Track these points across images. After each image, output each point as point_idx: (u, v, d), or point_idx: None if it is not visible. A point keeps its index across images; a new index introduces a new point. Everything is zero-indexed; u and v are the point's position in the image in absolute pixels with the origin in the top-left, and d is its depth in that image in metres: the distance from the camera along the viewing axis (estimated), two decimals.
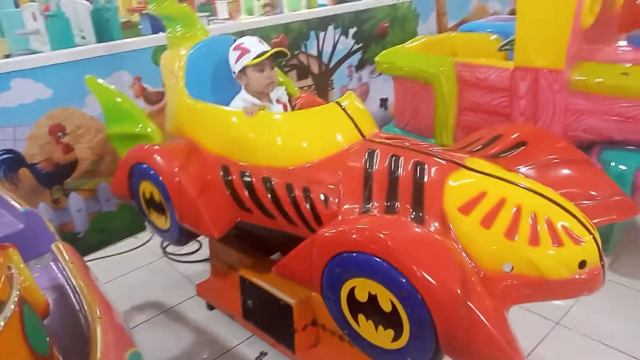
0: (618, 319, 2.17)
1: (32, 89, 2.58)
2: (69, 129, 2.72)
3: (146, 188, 2.03)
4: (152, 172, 1.94)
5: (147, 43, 2.93)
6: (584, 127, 2.35)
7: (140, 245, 2.99)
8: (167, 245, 2.92)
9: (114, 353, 0.91)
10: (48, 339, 0.95)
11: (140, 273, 2.75)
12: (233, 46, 1.99)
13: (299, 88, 3.67)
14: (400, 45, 3.09)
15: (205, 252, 2.70)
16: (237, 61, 1.95)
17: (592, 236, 1.37)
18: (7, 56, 5.24)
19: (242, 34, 3.19)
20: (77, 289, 1.09)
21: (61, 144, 2.71)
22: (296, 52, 3.64)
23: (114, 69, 2.84)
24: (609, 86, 2.23)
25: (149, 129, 2.17)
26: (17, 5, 6.95)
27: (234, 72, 1.98)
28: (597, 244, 1.37)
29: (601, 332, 2.10)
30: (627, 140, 2.27)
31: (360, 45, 4.03)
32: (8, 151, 2.56)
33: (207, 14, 8.47)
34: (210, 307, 2.37)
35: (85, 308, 1.03)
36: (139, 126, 2.19)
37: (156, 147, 2.00)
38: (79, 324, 1.05)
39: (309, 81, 3.79)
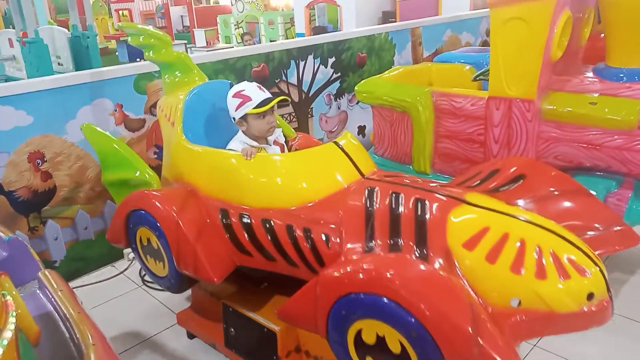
0: (597, 342, 2.20)
1: (12, 116, 2.56)
2: (48, 156, 2.70)
3: (144, 234, 2.01)
4: (150, 217, 1.91)
5: (129, 71, 2.95)
6: (556, 154, 2.45)
7: (118, 274, 2.94)
8: (145, 274, 2.88)
9: None
10: None
11: (118, 302, 2.71)
12: (232, 93, 1.98)
13: (280, 115, 3.73)
14: (379, 75, 3.18)
15: None
16: (237, 109, 1.94)
17: (598, 267, 1.38)
18: None
19: (224, 62, 3.24)
20: (68, 317, 1.09)
21: (40, 171, 2.68)
22: (277, 81, 3.70)
23: (96, 96, 2.84)
24: (578, 115, 2.33)
25: (146, 175, 2.17)
26: None
27: (234, 118, 1.98)
28: (604, 275, 1.39)
29: (579, 354, 2.13)
30: (596, 167, 2.37)
31: (339, 74, 4.12)
32: None
33: (185, 41, 8.52)
34: (191, 336, 2.34)
35: (78, 335, 1.02)
36: (137, 172, 2.18)
37: (154, 192, 1.98)
38: (69, 352, 1.05)
39: (289, 109, 3.84)
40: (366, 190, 1.69)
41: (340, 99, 4.18)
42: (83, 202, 2.87)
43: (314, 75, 3.93)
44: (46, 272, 1.31)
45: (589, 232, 1.62)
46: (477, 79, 2.96)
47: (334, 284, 1.46)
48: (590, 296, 1.35)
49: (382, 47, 4.40)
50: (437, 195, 1.59)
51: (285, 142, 2.10)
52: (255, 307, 1.95)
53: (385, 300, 1.34)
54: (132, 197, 2.03)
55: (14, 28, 5.90)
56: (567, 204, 1.70)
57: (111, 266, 3.01)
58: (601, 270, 1.39)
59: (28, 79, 2.87)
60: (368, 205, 1.64)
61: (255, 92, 1.95)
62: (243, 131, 1.99)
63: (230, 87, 2.01)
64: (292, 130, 2.33)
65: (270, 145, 2.01)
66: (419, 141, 2.84)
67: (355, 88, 3.06)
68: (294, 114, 3.88)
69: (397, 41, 4.53)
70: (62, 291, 1.21)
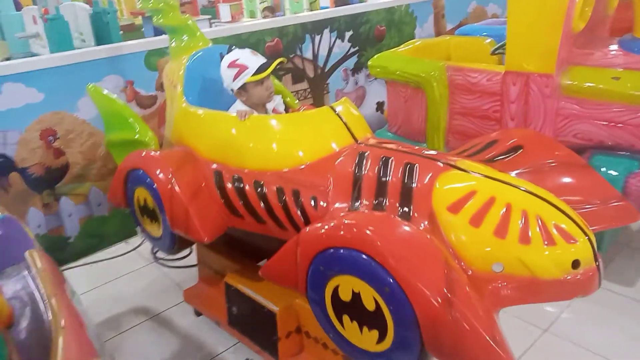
0: (607, 326, 2.14)
1: (23, 93, 2.59)
2: (60, 133, 2.72)
3: (141, 194, 2.03)
4: (147, 178, 1.94)
5: (139, 47, 2.93)
6: (575, 132, 2.33)
7: (131, 250, 2.98)
8: (158, 251, 2.91)
9: None
10: (8, 351, 0.94)
11: (130, 278, 2.74)
12: (226, 63, 1.94)
13: (294, 92, 3.67)
14: (394, 49, 3.07)
15: (195, 258, 2.69)
16: (235, 79, 1.91)
17: (587, 237, 1.34)
18: (8, 59, 5.27)
19: (237, 37, 3.19)
20: (45, 298, 1.08)
21: (52, 148, 2.71)
22: (291, 56, 3.63)
23: (107, 72, 2.84)
24: (600, 91, 2.20)
25: (146, 137, 2.18)
26: (18, 9, 6.99)
27: (232, 90, 1.95)
28: (592, 245, 1.34)
29: (589, 340, 2.07)
30: (618, 146, 2.24)
31: (357, 48, 4.02)
32: None
33: (209, 16, 8.48)
34: (198, 314, 2.36)
35: (50, 317, 1.01)
36: (137, 134, 2.20)
37: (152, 153, 2.00)
38: (46, 333, 1.04)
39: (304, 85, 3.78)
40: (357, 155, 1.66)
41: (357, 74, 4.09)
42: (96, 178, 2.90)
43: (330, 49, 3.84)
44: (33, 252, 1.30)
45: (586, 206, 1.55)
46: (496, 52, 2.83)
47: (313, 239, 1.45)
48: (575, 264, 1.31)
49: (403, 20, 4.26)
50: (428, 159, 1.56)
51: (285, 110, 2.06)
52: (256, 287, 1.94)
53: (362, 255, 1.32)
54: (131, 157, 2.05)
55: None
56: (564, 176, 1.63)
57: (124, 242, 3.05)
58: (590, 240, 1.33)
59: (37, 56, 2.87)
60: (357, 169, 1.62)
61: (251, 59, 1.90)
62: (243, 101, 1.96)
63: (221, 58, 1.96)
64: (295, 100, 2.30)
65: (270, 114, 1.98)
66: (432, 118, 2.74)
67: (369, 62, 2.97)
68: (309, 90, 3.82)
69: (418, 13, 4.38)
70: (45, 271, 1.20)
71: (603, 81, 2.20)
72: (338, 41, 3.88)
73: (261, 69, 1.88)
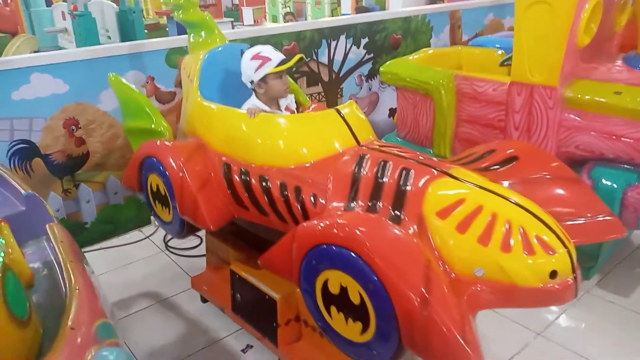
0: (601, 335, 2.19)
1: (50, 84, 2.73)
2: (82, 123, 2.86)
3: (153, 181, 2.15)
4: (160, 165, 2.06)
5: (161, 45, 3.06)
6: (577, 143, 2.39)
7: (144, 238, 3.10)
8: (170, 240, 3.03)
9: (84, 322, 1.01)
10: (29, 305, 1.04)
11: (142, 264, 2.86)
12: (250, 56, 2.02)
13: (308, 95, 3.77)
14: (405, 57, 3.16)
15: (204, 248, 2.79)
16: (257, 70, 1.99)
17: (566, 249, 1.40)
18: (36, 52, 5.47)
19: (255, 39, 3.31)
20: (62, 265, 1.19)
21: (74, 137, 2.85)
22: (307, 60, 3.74)
23: (129, 68, 2.97)
24: (601, 104, 2.27)
25: (161, 127, 2.29)
26: (48, 4, 7.22)
27: (252, 81, 2.03)
28: (571, 257, 1.41)
29: (582, 347, 2.12)
30: (618, 158, 2.30)
31: (372, 55, 4.11)
32: (23, 141, 2.71)
33: (232, 19, 8.65)
34: (204, 300, 2.46)
35: (66, 281, 1.12)
36: (153, 123, 2.31)
37: (167, 142, 2.12)
38: (61, 296, 1.15)
39: (318, 88, 3.88)
40: (358, 157, 1.75)
41: (371, 80, 4.18)
42: (114, 168, 3.03)
43: (346, 55, 3.94)
44: (53, 226, 1.42)
45: (575, 219, 1.61)
46: (504, 64, 2.90)
47: (308, 234, 1.55)
48: (553, 274, 1.37)
49: (419, 29, 4.35)
50: (424, 166, 1.64)
51: (296, 109, 2.16)
52: (259, 275, 2.04)
53: (351, 253, 1.42)
54: (146, 145, 2.18)
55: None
56: (556, 189, 1.69)
57: (138, 230, 3.18)
58: (569, 252, 1.40)
59: (64, 49, 3.02)
60: (356, 170, 1.70)
61: (273, 53, 2.02)
62: (259, 95, 2.05)
63: (242, 54, 2.06)
64: (307, 99, 2.39)
65: (282, 111, 2.08)
66: (440, 125, 2.82)
67: (380, 69, 3.06)
68: (323, 94, 3.92)
69: (434, 23, 4.46)
70: (63, 242, 1.31)
71: (605, 95, 2.26)
72: (354, 47, 3.98)
73: (283, 62, 1.99)
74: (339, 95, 4.02)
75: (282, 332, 1.97)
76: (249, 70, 2.03)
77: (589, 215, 1.66)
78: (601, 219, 1.68)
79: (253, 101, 2.07)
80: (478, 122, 2.70)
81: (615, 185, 2.24)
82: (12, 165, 2.70)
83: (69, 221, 2.92)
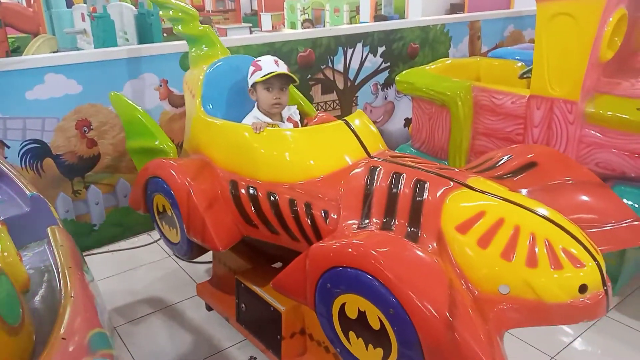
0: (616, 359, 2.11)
1: (64, 84, 2.73)
2: (94, 125, 2.85)
3: (159, 201, 2.10)
4: (165, 185, 2.00)
5: (175, 49, 3.05)
6: (597, 160, 2.31)
7: (152, 243, 3.08)
8: None
9: (77, 331, 0.97)
10: (22, 311, 1.01)
11: (148, 269, 2.83)
12: (252, 62, 2.08)
13: (323, 103, 3.74)
14: (422, 66, 3.11)
15: (211, 255, 2.76)
16: (250, 76, 2.05)
17: (595, 262, 1.33)
18: (55, 52, 5.50)
19: (270, 45, 3.28)
20: (59, 270, 1.16)
21: (86, 138, 2.84)
22: (322, 67, 3.70)
23: (143, 70, 2.96)
24: (623, 121, 2.19)
25: (165, 145, 2.26)
26: (69, 6, 7.29)
27: (249, 87, 2.07)
28: (601, 269, 1.33)
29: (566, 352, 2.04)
30: None
31: (388, 64, 4.06)
32: (35, 141, 2.70)
33: (250, 25, 8.67)
34: (209, 308, 2.42)
35: (62, 287, 1.09)
36: (157, 141, 2.28)
37: (171, 161, 2.06)
38: (57, 302, 1.11)
39: (333, 96, 3.84)
40: (369, 169, 1.68)
41: (387, 90, 4.13)
42: (124, 171, 3.01)
43: (362, 63, 3.90)
44: (55, 228, 1.38)
45: (601, 226, 1.53)
46: (524, 76, 2.83)
47: (321, 257, 1.47)
48: (582, 289, 1.30)
49: (437, 39, 4.30)
50: (439, 177, 1.56)
51: (300, 120, 2.12)
52: (265, 286, 1.99)
53: (368, 276, 1.34)
54: (150, 165, 2.12)
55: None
56: (579, 195, 1.60)
57: (146, 234, 3.15)
58: (598, 264, 1.32)
59: (79, 50, 3.03)
60: (368, 183, 1.64)
61: (267, 63, 2.00)
62: (256, 105, 2.06)
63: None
64: (313, 109, 2.34)
65: (284, 123, 2.04)
66: (456, 137, 2.76)
67: (396, 78, 3.01)
68: (337, 102, 3.88)
69: (453, 34, 4.40)
70: (63, 247, 1.28)
71: (627, 111, 2.18)
72: (370, 55, 3.94)
73: (269, 73, 1.97)
74: (353, 104, 3.98)
75: (286, 345, 1.91)
76: (248, 75, 2.06)
77: (614, 221, 1.58)
78: (627, 224, 1.59)
79: (254, 113, 2.05)
80: (495, 135, 2.63)
81: (637, 205, 2.16)
82: (23, 165, 2.69)
83: (78, 223, 2.91)
